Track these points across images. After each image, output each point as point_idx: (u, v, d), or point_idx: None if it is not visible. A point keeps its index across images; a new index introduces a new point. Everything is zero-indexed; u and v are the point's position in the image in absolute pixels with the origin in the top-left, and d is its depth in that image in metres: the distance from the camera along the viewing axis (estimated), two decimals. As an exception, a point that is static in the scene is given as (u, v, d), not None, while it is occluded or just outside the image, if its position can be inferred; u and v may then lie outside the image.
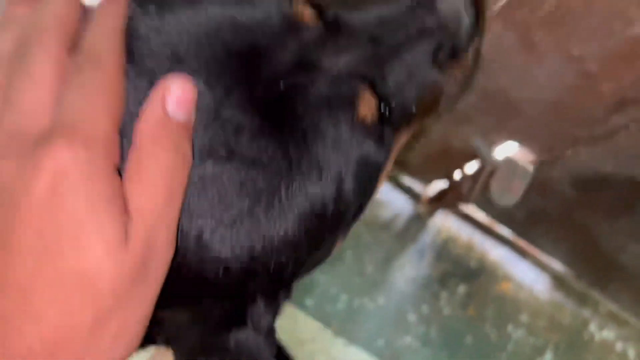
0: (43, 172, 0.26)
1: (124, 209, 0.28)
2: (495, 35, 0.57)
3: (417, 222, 1.25)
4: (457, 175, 0.96)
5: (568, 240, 1.05)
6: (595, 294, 1.21)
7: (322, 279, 1.18)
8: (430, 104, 0.43)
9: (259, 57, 0.35)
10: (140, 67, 0.32)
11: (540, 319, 1.21)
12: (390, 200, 1.25)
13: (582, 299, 1.21)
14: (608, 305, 1.21)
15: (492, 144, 0.78)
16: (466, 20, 0.40)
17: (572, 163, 0.76)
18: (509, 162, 0.74)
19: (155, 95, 0.30)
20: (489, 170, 0.78)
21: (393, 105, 0.40)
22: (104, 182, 0.27)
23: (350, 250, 1.20)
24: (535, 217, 1.02)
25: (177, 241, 0.31)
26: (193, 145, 0.31)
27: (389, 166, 0.40)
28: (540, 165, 0.80)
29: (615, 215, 0.85)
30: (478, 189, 0.81)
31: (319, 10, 0.39)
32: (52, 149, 0.26)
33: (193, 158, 0.31)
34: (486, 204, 1.14)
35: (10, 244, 0.27)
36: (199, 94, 0.32)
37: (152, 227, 0.28)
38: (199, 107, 0.32)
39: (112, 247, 0.27)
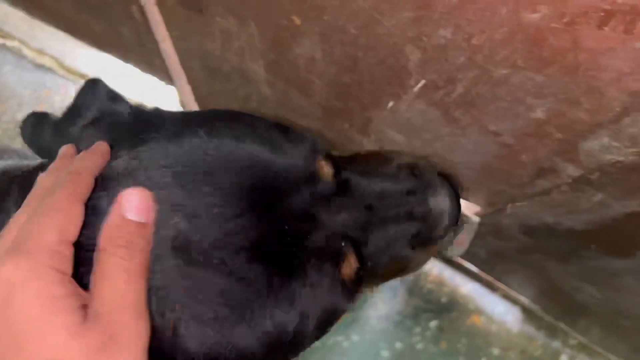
0: None
1: (78, 299, 0.32)
2: (421, 110, 0.61)
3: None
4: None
5: (530, 279, 1.08)
6: (565, 327, 1.24)
7: (297, 318, 1.22)
8: (394, 272, 0.52)
9: (276, 195, 0.41)
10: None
11: (512, 351, 1.23)
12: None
13: (552, 331, 1.24)
14: (578, 337, 1.24)
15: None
16: (446, 220, 0.48)
17: (518, 213, 0.80)
18: (454, 216, 0.78)
19: (115, 205, 0.36)
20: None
21: (368, 266, 0.47)
22: (50, 282, 0.32)
23: (324, 289, 1.24)
24: (496, 256, 1.05)
25: (156, 324, 0.35)
26: (196, 244, 0.37)
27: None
28: (489, 214, 0.84)
29: (565, 260, 0.88)
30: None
31: (336, 168, 0.46)
32: (1, 266, 0.32)
33: (190, 255, 0.37)
34: (452, 243, 1.18)
35: None
36: (215, 206, 0.38)
37: (115, 305, 0.32)
38: (211, 217, 0.38)
39: (73, 328, 0.31)
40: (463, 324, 1.24)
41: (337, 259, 0.43)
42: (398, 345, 1.22)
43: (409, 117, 0.65)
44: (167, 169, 0.39)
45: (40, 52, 1.29)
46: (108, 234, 0.35)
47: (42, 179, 0.41)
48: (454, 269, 1.26)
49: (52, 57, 1.29)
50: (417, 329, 1.24)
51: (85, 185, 0.38)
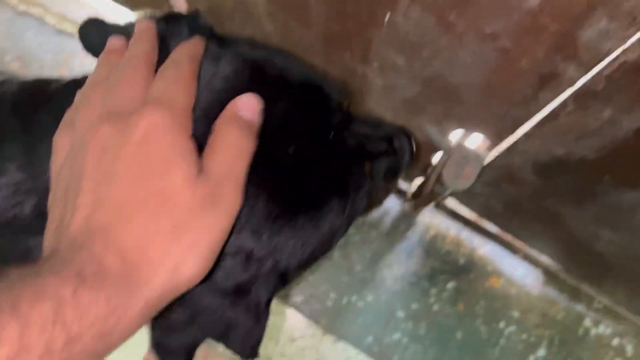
0: (138, 128, 0.37)
1: (198, 156, 0.39)
2: (416, 20, 0.60)
3: (405, 220, 1.26)
4: (429, 169, 0.98)
5: (547, 232, 1.05)
6: (589, 289, 1.19)
7: (311, 278, 1.21)
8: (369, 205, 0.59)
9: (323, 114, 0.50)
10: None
11: (533, 315, 1.20)
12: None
13: (575, 294, 1.20)
14: (603, 300, 1.19)
15: (445, 131, 0.80)
16: (407, 157, 0.59)
17: (528, 148, 0.77)
18: (460, 148, 0.76)
19: (231, 102, 0.43)
20: (445, 158, 0.80)
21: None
22: (183, 136, 0.39)
23: (338, 250, 1.23)
24: (512, 208, 1.02)
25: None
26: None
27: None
28: (502, 154, 0.81)
29: (580, 201, 0.85)
30: (434, 177, 0.83)
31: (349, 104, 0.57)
32: (145, 113, 0.38)
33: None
34: (467, 198, 1.15)
35: (113, 174, 0.37)
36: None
37: (220, 176, 0.38)
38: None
39: (188, 178, 0.37)
40: (481, 286, 1.21)
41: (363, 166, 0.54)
42: (414, 306, 1.20)
43: (407, 32, 0.63)
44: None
45: (62, 17, 1.32)
46: (223, 120, 0.42)
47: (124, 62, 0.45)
48: (471, 229, 1.23)
49: (73, 23, 1.32)
50: (434, 290, 1.21)
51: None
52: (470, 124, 0.76)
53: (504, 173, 0.89)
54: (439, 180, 0.80)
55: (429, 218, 1.25)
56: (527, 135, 0.75)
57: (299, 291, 1.20)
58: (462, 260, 1.23)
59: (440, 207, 1.23)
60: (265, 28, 0.82)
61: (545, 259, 1.18)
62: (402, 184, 1.24)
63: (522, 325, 1.19)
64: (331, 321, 1.18)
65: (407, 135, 0.59)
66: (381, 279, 1.22)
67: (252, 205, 0.42)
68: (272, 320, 0.46)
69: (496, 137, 0.77)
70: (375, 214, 1.26)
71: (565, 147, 0.73)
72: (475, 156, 0.76)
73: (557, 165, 0.79)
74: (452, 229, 1.24)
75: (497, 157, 0.83)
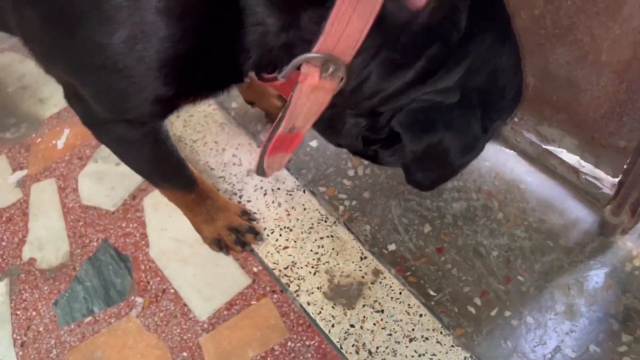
0: None
1: None
2: None
3: (599, 238, 0.93)
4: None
5: None
6: None
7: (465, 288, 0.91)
8: None
9: None
10: None
11: None
12: (566, 207, 0.97)
13: None
14: None
15: None
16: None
17: None
18: None
19: None
20: None
21: None
22: None
23: (494, 249, 0.93)
24: None
25: None
26: None
27: None
28: None
29: None
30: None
31: None
32: None
33: None
34: None
35: None
36: None
37: None
38: None
39: None
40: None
41: None
42: (593, 349, 0.83)
43: None
44: None
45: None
46: None
47: None
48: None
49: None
50: (627, 338, 0.84)
51: None
52: None
53: None
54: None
55: (635, 244, 0.91)
56: None
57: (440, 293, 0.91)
58: (676, 308, 0.85)
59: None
60: None
61: None
62: (605, 185, 0.93)
63: None
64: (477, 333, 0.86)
65: None
66: (550, 300, 0.88)
67: None
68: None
69: None
70: (557, 219, 0.95)
71: None
72: None
73: None
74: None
75: None
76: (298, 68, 0.56)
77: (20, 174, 1.11)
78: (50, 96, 1.23)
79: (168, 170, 0.83)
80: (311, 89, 0.57)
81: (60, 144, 1.15)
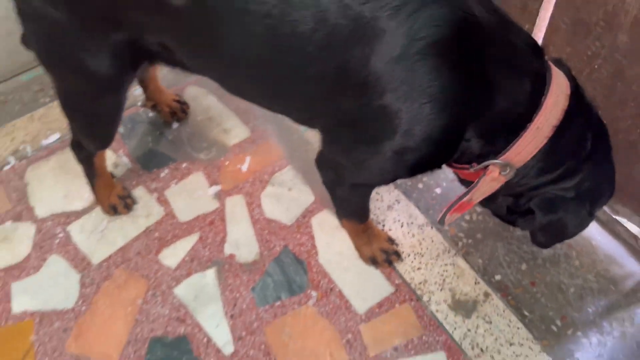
0: None
1: None
2: None
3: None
4: None
5: None
6: None
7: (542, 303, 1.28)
8: None
9: None
10: None
11: None
12: (626, 262, 1.33)
13: None
14: None
15: None
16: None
17: None
18: None
19: None
20: None
21: None
22: None
23: (572, 287, 1.29)
24: None
25: None
26: None
27: None
28: None
29: None
30: None
31: None
32: None
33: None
34: None
35: None
36: None
37: None
38: None
39: None
40: None
41: None
42: (638, 365, 1.20)
43: None
44: None
45: None
46: None
47: None
48: None
49: None
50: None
51: None
52: None
53: None
54: None
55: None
56: None
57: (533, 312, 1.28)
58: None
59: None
60: (618, 39, 1.03)
61: None
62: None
63: None
64: (554, 342, 1.23)
65: None
66: (609, 328, 1.24)
67: None
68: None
69: None
70: (618, 270, 1.32)
71: None
72: None
73: None
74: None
75: None
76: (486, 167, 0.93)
77: (216, 188, 1.49)
78: (233, 128, 1.61)
79: (367, 212, 1.23)
80: (491, 179, 0.93)
81: (244, 168, 1.53)
